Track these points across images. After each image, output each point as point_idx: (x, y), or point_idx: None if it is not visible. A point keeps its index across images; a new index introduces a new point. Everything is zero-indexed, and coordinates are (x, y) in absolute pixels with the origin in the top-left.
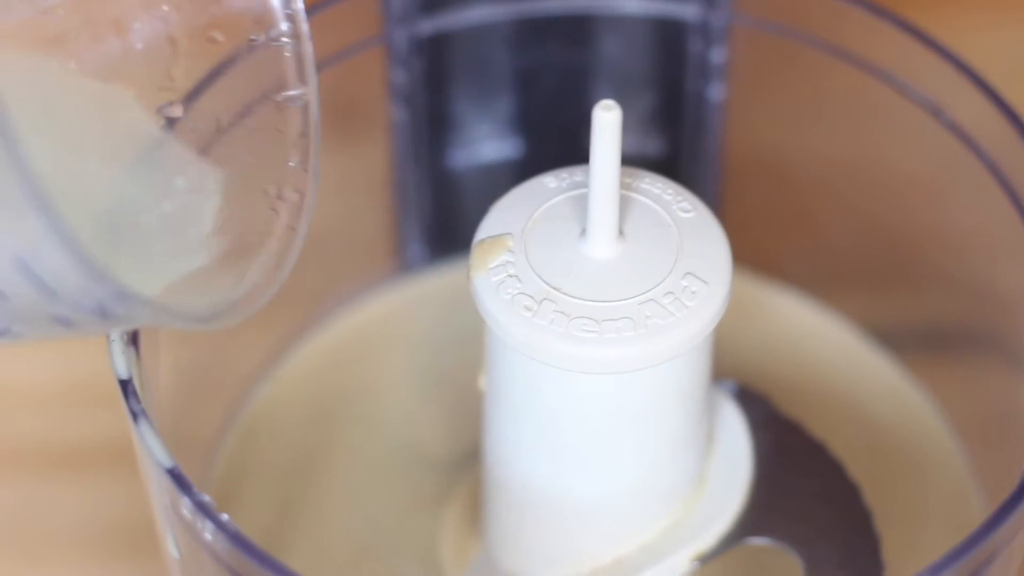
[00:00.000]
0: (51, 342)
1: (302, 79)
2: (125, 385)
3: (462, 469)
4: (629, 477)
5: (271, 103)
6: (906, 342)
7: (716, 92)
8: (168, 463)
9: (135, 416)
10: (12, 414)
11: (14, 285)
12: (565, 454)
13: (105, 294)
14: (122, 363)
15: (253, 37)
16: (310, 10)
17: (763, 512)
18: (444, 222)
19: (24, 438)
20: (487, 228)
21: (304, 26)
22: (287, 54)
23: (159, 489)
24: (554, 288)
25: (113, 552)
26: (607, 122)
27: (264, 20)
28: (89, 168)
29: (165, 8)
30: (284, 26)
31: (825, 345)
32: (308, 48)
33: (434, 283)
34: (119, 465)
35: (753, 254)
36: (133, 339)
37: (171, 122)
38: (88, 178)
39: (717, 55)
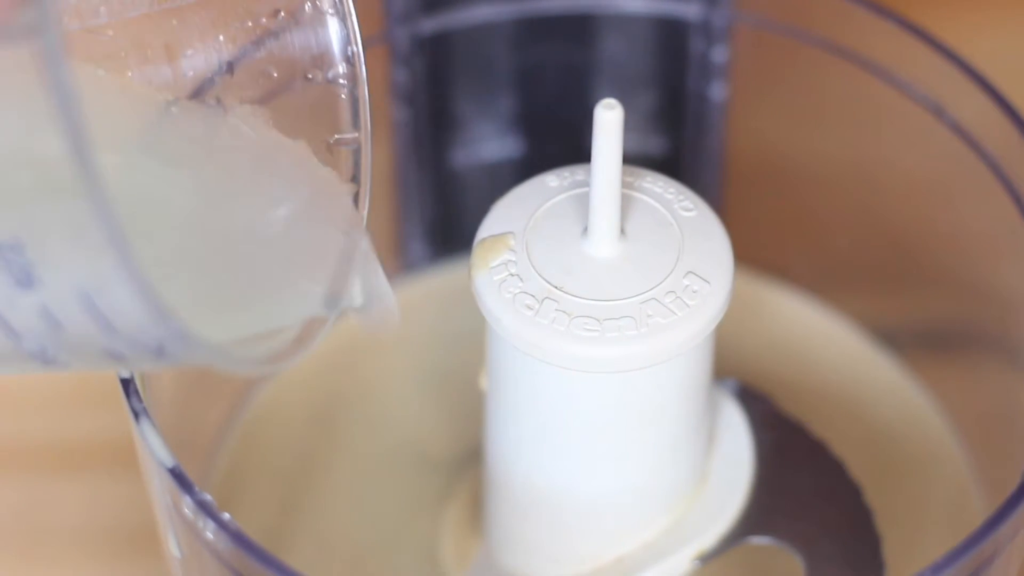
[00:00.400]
0: None
1: (356, 123)
2: (127, 384)
3: (463, 468)
4: (630, 476)
5: (323, 144)
6: (907, 341)
7: (718, 91)
8: (169, 462)
9: (136, 415)
10: (13, 413)
11: (72, 316)
12: (566, 453)
13: (168, 335)
14: None
15: (309, 76)
16: None
17: (764, 511)
18: (445, 221)
19: (26, 437)
20: (489, 227)
21: (363, 71)
22: (343, 96)
23: (160, 488)
24: (555, 287)
25: (114, 551)
26: (609, 121)
27: (322, 60)
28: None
29: (221, 38)
30: (342, 68)
31: (826, 344)
32: (365, 92)
33: (435, 282)
34: (121, 464)
35: (754, 253)
36: None
37: None
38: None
39: (719, 54)
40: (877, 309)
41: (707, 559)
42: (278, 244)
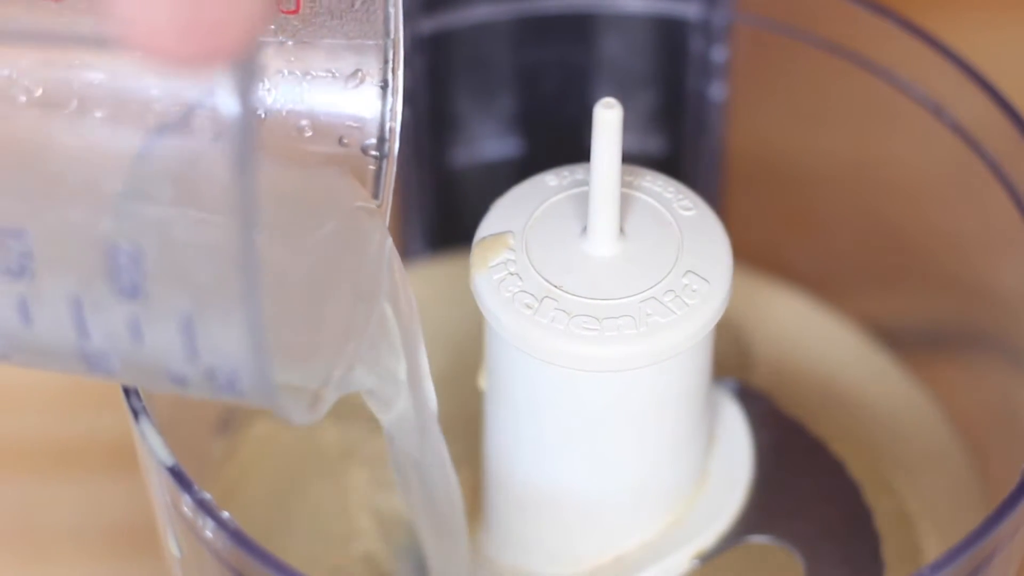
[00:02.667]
0: None
1: (377, 195)
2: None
3: (462, 466)
4: (630, 475)
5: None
6: (907, 340)
7: (717, 91)
8: (169, 461)
9: (136, 414)
10: (14, 413)
11: (162, 335)
12: (566, 452)
13: (252, 378)
14: None
15: (345, 140)
16: None
17: (764, 511)
18: (445, 220)
19: (26, 437)
20: (488, 226)
21: (395, 148)
22: (371, 167)
23: (160, 487)
24: (555, 286)
25: (114, 551)
26: (608, 120)
27: (359, 127)
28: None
29: (263, 90)
30: (374, 140)
31: (826, 343)
32: (392, 170)
33: (435, 281)
34: (120, 464)
35: (754, 252)
36: None
37: None
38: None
39: (718, 54)
40: (876, 308)
41: (706, 558)
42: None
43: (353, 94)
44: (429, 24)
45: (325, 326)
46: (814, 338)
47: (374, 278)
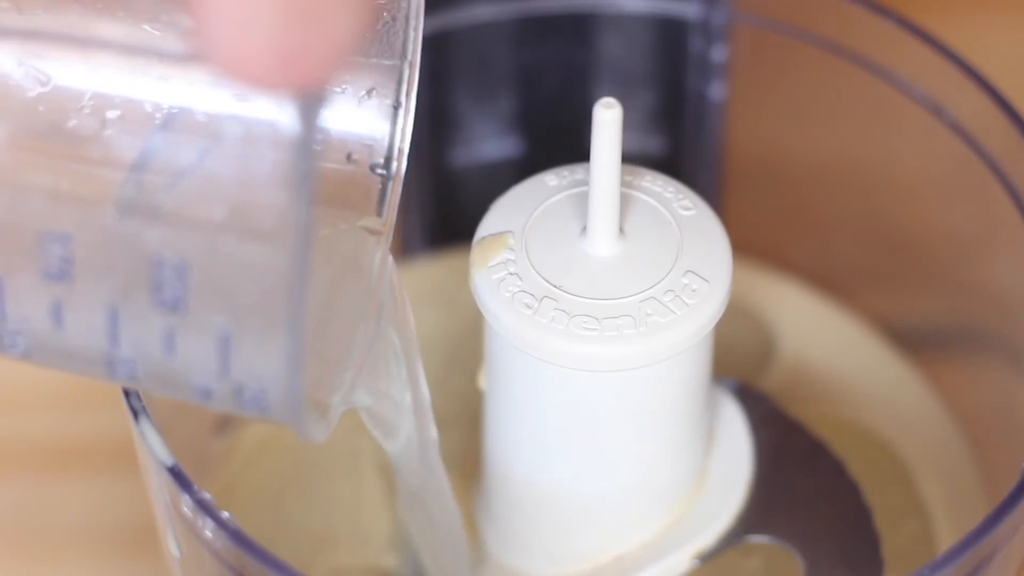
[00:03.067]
0: None
1: (381, 214)
2: None
3: (462, 465)
4: (630, 475)
5: (338, 220)
6: (907, 340)
7: (717, 90)
8: (168, 461)
9: (136, 414)
10: (14, 413)
11: (195, 350)
12: (566, 452)
13: (281, 398)
14: None
15: (354, 156)
16: None
17: (764, 510)
18: (445, 220)
19: (26, 437)
20: (488, 226)
21: (403, 168)
22: (377, 186)
23: (159, 487)
24: (555, 286)
25: (115, 551)
26: (608, 120)
27: (369, 144)
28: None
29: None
30: (382, 159)
31: (825, 343)
32: (398, 190)
33: (434, 280)
34: (121, 464)
35: (753, 252)
36: None
37: None
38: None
39: (718, 53)
40: (875, 307)
41: (706, 558)
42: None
43: (365, 112)
44: (429, 24)
45: (330, 345)
46: (813, 337)
47: (375, 298)
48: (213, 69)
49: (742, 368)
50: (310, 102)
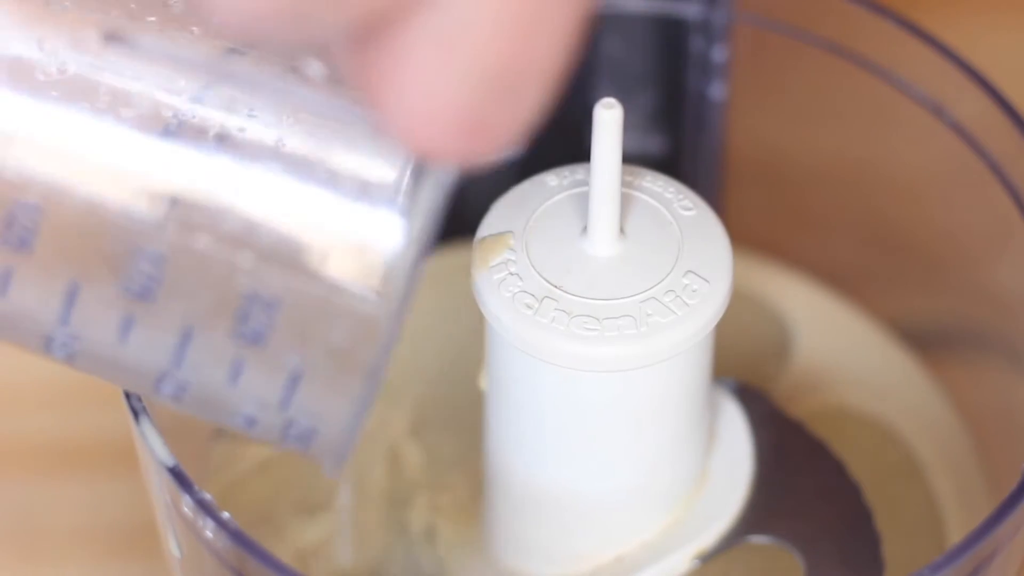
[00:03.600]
0: None
1: None
2: None
3: (462, 465)
4: (630, 475)
5: None
6: (907, 340)
7: (717, 90)
8: (169, 461)
9: (136, 414)
10: (14, 412)
11: (258, 383)
12: (566, 452)
13: (334, 446)
14: None
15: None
16: None
17: (764, 510)
18: (445, 220)
19: (26, 437)
20: (488, 226)
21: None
22: None
23: (160, 487)
24: (555, 286)
25: (115, 551)
26: (608, 120)
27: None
28: None
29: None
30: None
31: (826, 342)
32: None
33: (435, 280)
34: (121, 464)
35: (754, 252)
36: None
37: None
38: None
39: (718, 53)
40: (875, 307)
41: (706, 558)
42: None
43: None
44: None
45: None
46: (814, 336)
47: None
48: (386, 130)
49: (757, 362)
50: (436, 170)
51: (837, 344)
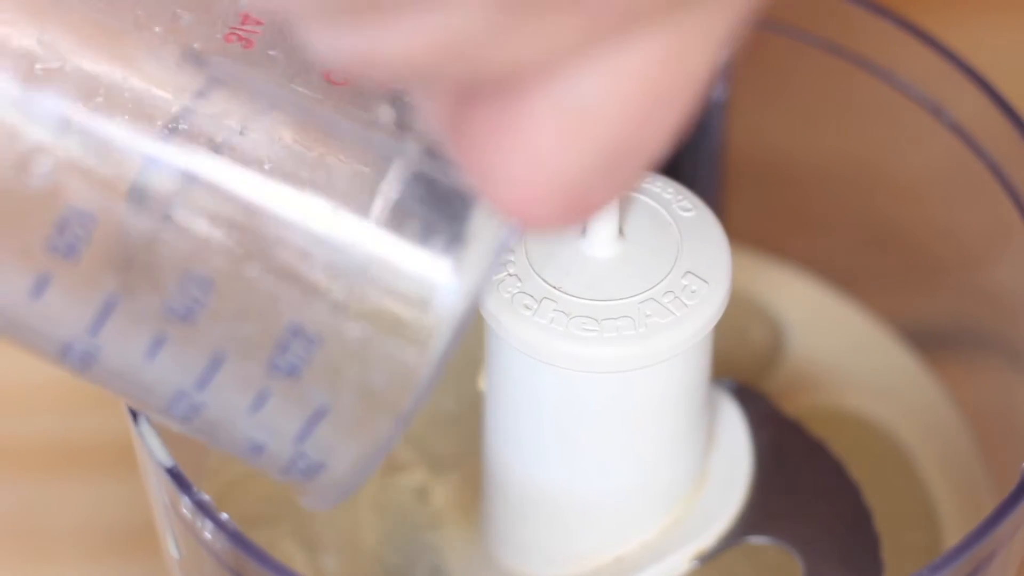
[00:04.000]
0: None
1: None
2: None
3: (461, 465)
4: (629, 475)
5: None
6: (907, 340)
7: (717, 91)
8: (168, 462)
9: (135, 415)
10: (13, 413)
11: (280, 420)
12: (565, 453)
13: (338, 484)
14: None
15: None
16: None
17: (763, 511)
18: None
19: (26, 438)
20: None
21: None
22: None
23: (159, 488)
24: (554, 287)
25: (114, 551)
26: None
27: None
28: None
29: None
30: None
31: (824, 342)
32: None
33: None
34: (121, 465)
35: (753, 253)
36: None
37: None
38: None
39: None
40: (875, 307)
41: (706, 559)
42: None
43: None
44: None
45: None
46: (813, 337)
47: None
48: (483, 193)
49: (751, 361)
50: (501, 228)
51: (835, 344)
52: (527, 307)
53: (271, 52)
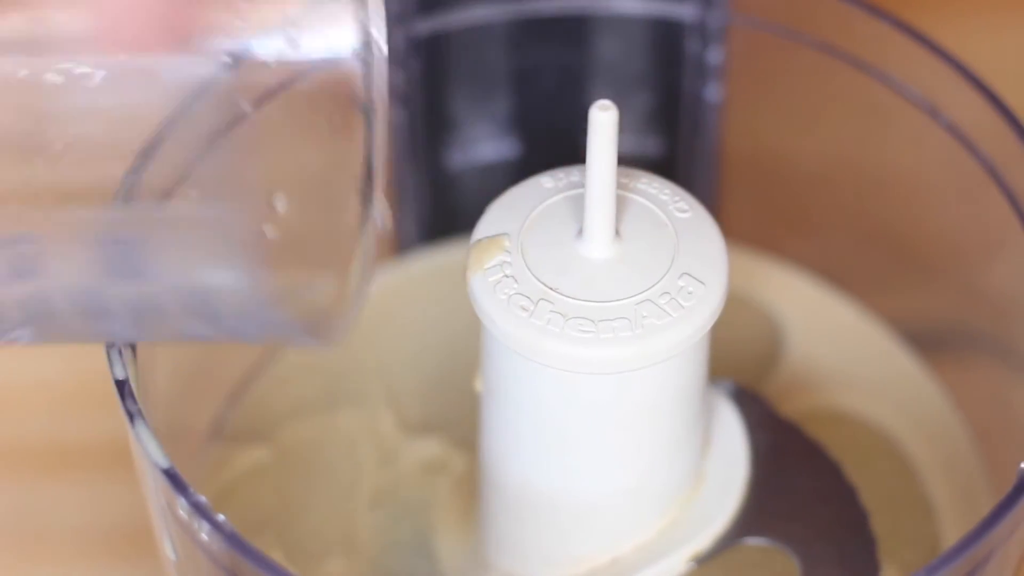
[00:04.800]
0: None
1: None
2: (122, 386)
3: (457, 467)
4: (626, 477)
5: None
6: (904, 341)
7: (713, 92)
8: (164, 463)
9: (131, 417)
10: (13, 413)
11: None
12: (561, 454)
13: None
14: (119, 364)
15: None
16: None
17: (760, 512)
18: (441, 222)
19: (26, 437)
20: (484, 228)
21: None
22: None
23: (155, 490)
24: (551, 288)
25: (113, 552)
26: (604, 122)
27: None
28: None
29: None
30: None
31: (821, 342)
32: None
33: (430, 281)
34: (119, 466)
35: (749, 253)
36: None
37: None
38: None
39: (714, 55)
40: (871, 308)
41: (703, 560)
42: None
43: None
44: (425, 26)
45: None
46: (810, 338)
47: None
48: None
49: (749, 362)
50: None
51: (833, 345)
52: (523, 308)
53: None
